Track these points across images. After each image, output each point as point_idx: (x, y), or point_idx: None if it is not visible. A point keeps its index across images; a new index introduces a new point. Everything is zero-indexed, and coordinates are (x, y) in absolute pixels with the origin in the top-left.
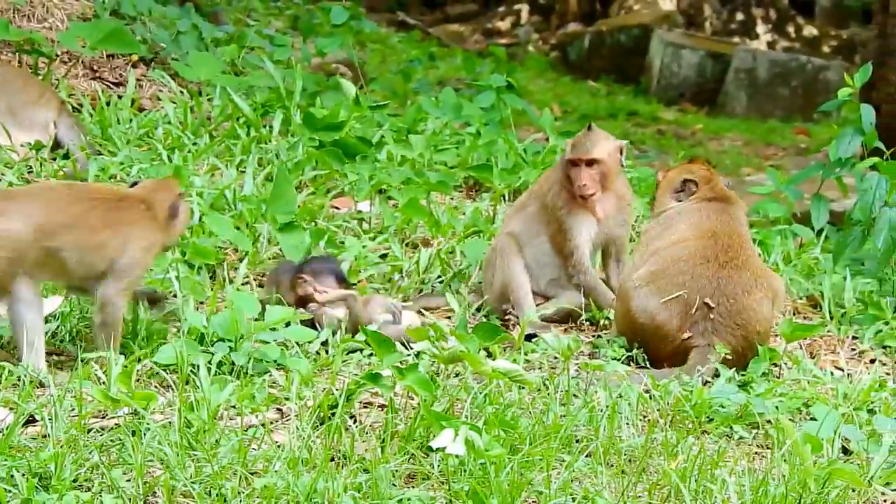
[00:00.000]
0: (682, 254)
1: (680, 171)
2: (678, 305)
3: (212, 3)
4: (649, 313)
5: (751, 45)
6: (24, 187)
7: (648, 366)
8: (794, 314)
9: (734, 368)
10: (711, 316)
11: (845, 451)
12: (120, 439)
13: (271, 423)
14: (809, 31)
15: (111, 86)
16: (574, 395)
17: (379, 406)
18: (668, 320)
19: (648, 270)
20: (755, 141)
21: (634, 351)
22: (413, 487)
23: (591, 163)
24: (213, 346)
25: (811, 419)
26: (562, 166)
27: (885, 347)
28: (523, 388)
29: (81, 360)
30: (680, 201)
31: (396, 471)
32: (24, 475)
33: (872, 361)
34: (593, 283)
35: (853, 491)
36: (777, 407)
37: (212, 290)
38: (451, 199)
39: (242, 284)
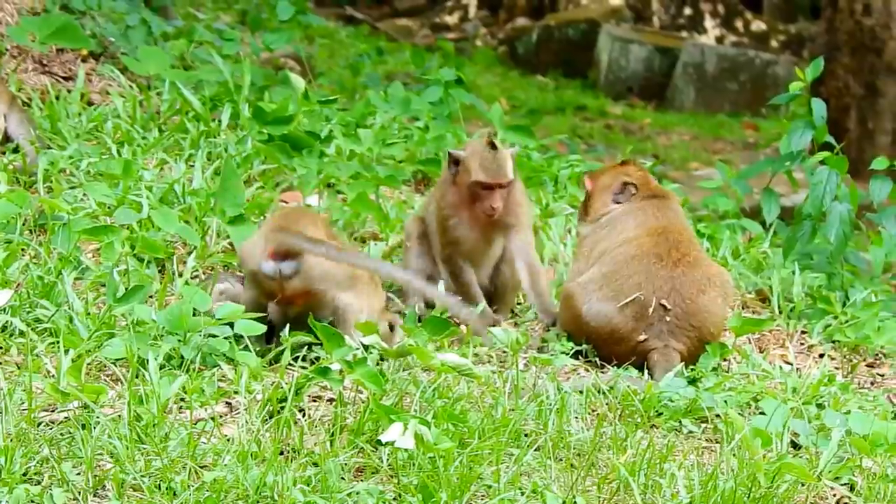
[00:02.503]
0: (634, 252)
1: (614, 174)
2: (634, 308)
3: None
4: (604, 316)
5: (699, 40)
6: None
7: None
8: (742, 308)
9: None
10: (668, 318)
11: (794, 445)
12: (70, 433)
13: (220, 416)
14: (758, 25)
15: (61, 80)
16: (522, 389)
17: (328, 400)
18: (624, 323)
19: (599, 272)
20: (703, 135)
21: (584, 346)
22: (362, 481)
23: (506, 185)
24: (161, 339)
25: (760, 413)
26: (466, 186)
27: (833, 342)
28: (472, 381)
29: (32, 354)
30: (619, 203)
31: (345, 464)
32: None
33: (821, 356)
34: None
35: (802, 485)
36: (726, 401)
37: (160, 283)
38: (400, 193)
39: (191, 278)
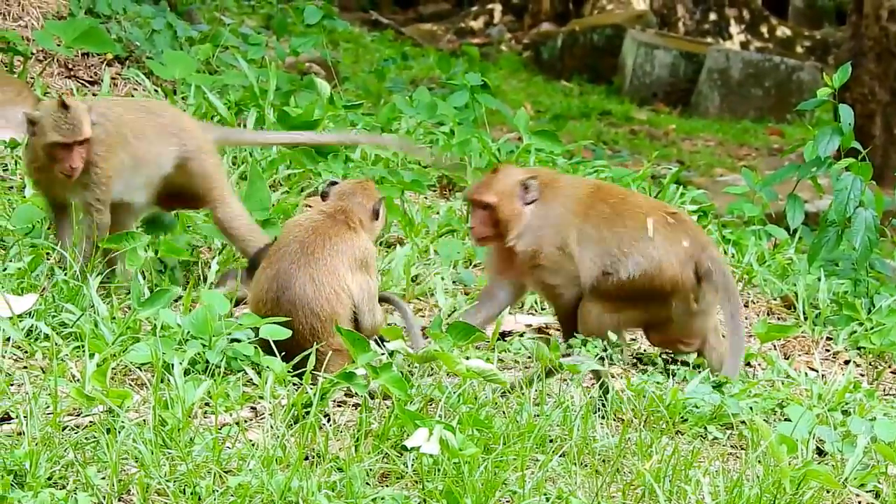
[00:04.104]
0: (596, 220)
1: (507, 181)
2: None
3: (186, 1)
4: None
5: (724, 46)
6: None
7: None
8: (768, 315)
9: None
10: None
11: (820, 452)
12: (95, 437)
13: (245, 421)
14: (783, 31)
15: (86, 84)
16: (548, 395)
17: (353, 405)
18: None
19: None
20: (728, 141)
21: (609, 350)
22: (387, 486)
23: (82, 143)
24: (186, 344)
25: (785, 420)
26: (43, 148)
27: (859, 349)
28: (497, 387)
29: (57, 358)
30: (530, 202)
31: (370, 470)
32: None
33: (847, 363)
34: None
35: (828, 492)
36: (751, 408)
37: (185, 288)
38: (426, 198)
39: (215, 282)
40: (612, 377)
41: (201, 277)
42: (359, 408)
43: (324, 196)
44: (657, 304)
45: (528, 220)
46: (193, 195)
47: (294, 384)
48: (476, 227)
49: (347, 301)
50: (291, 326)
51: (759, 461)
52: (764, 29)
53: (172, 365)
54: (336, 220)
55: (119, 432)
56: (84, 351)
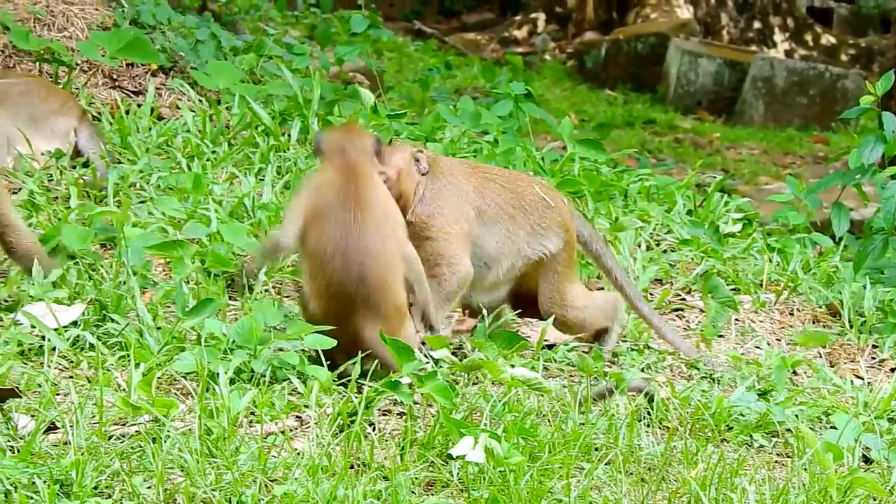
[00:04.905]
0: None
1: (399, 156)
2: None
3: (230, 12)
4: None
5: (768, 54)
6: None
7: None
8: (813, 322)
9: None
10: None
11: (866, 459)
12: (140, 446)
13: (291, 430)
14: (827, 39)
15: (131, 94)
16: (593, 403)
17: (398, 413)
18: None
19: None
20: (773, 149)
21: (654, 358)
22: (432, 495)
23: None
24: (231, 353)
25: (831, 428)
26: None
27: None
28: (542, 395)
29: (102, 368)
30: (424, 174)
31: (416, 478)
32: (45, 482)
33: (893, 370)
34: None
35: (874, 500)
36: (797, 416)
37: (229, 298)
38: None
39: (261, 292)
40: (657, 385)
41: (246, 287)
42: (404, 416)
43: (317, 152)
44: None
45: (422, 190)
46: None
47: (339, 393)
48: None
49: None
50: (365, 281)
51: (805, 469)
52: (808, 37)
53: (218, 374)
54: (357, 172)
55: (165, 441)
56: (129, 360)
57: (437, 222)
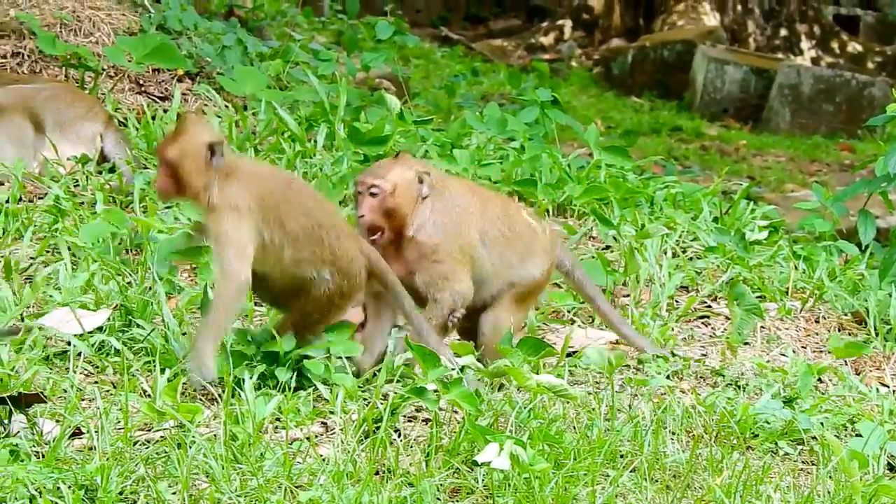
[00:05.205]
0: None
1: (404, 175)
2: None
3: (257, 18)
4: None
5: (795, 61)
6: None
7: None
8: (839, 330)
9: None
10: None
11: (891, 467)
12: (165, 452)
13: (316, 436)
14: (854, 47)
15: (157, 100)
16: (618, 410)
17: (423, 420)
18: None
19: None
20: (799, 157)
21: (680, 366)
22: (458, 501)
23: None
24: (256, 359)
25: (857, 436)
26: None
27: None
28: (568, 402)
29: (128, 373)
30: (426, 196)
31: (441, 485)
32: (70, 487)
33: None
34: None
35: None
36: (822, 423)
37: (254, 303)
38: None
39: None
40: (682, 392)
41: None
42: (429, 422)
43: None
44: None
45: (427, 211)
46: None
47: (364, 399)
48: (367, 214)
49: None
50: None
51: (831, 477)
52: (835, 45)
53: (243, 380)
54: None
55: (190, 447)
56: (155, 366)
57: (446, 246)
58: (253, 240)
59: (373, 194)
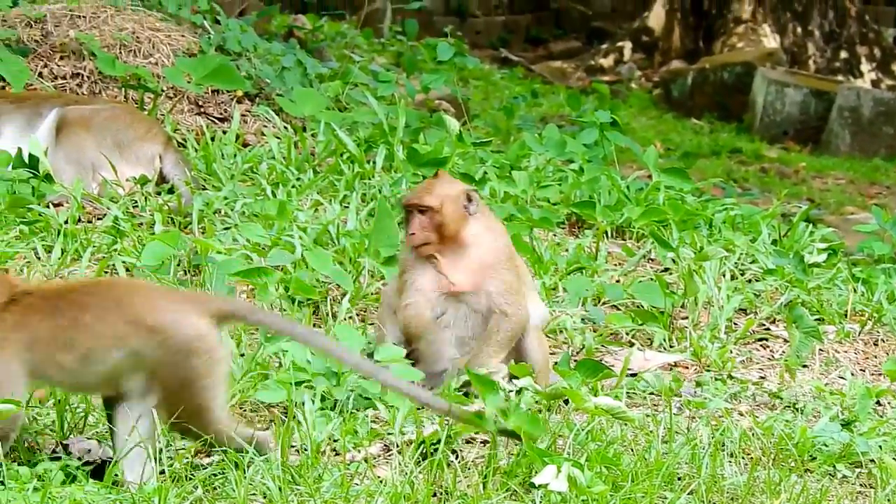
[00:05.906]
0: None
1: (451, 189)
2: None
3: (316, 39)
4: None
5: (855, 84)
6: None
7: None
8: None
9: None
10: None
11: None
12: (223, 473)
13: (374, 457)
14: None
15: (216, 121)
16: (676, 433)
17: (481, 442)
18: None
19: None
20: (859, 179)
21: (738, 388)
22: None
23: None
24: (315, 381)
25: None
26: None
27: None
28: (626, 424)
29: None
30: (472, 214)
31: None
32: None
33: None
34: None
35: None
36: (881, 446)
37: (314, 325)
38: (554, 235)
39: (345, 319)
40: (740, 415)
41: (329, 315)
42: (487, 444)
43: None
44: None
45: (479, 225)
46: None
47: (423, 421)
48: (417, 232)
49: None
50: None
51: (889, 500)
52: (895, 67)
53: (303, 403)
54: None
55: (247, 468)
56: None
57: (507, 251)
58: None
59: (421, 211)
